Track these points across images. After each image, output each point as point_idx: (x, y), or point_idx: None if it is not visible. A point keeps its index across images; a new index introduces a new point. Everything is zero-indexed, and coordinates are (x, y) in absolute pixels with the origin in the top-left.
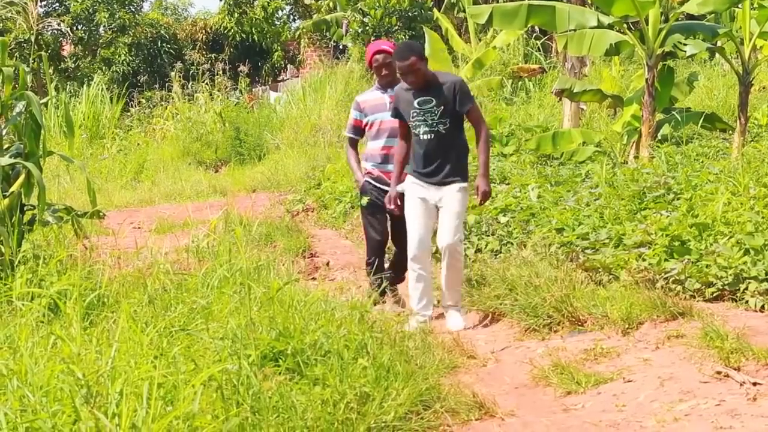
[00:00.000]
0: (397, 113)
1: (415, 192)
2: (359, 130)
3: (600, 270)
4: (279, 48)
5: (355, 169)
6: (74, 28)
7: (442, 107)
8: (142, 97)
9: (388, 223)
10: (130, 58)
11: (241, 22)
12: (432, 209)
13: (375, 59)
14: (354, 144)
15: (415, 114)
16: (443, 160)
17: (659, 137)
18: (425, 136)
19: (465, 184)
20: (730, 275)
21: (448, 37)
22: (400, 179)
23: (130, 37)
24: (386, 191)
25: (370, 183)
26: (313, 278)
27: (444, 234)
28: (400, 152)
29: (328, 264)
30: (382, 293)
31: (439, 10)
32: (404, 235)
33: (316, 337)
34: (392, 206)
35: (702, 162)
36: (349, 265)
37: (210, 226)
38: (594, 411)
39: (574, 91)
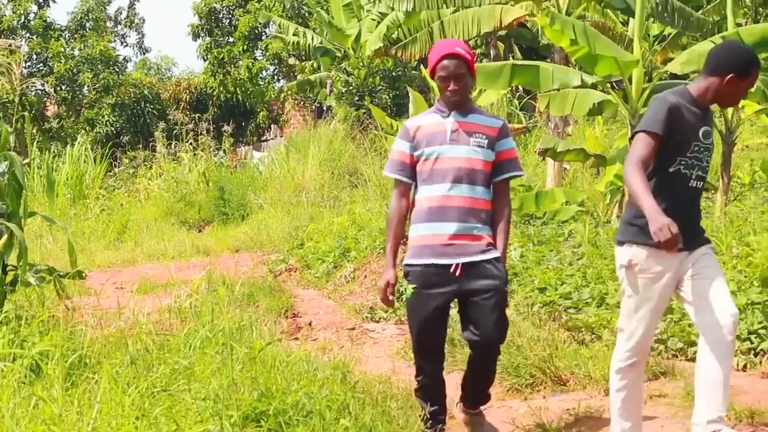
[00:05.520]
0: (669, 131)
1: (651, 267)
2: (408, 168)
3: (583, 329)
4: (263, 108)
5: (389, 257)
6: (58, 88)
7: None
8: (126, 157)
9: (441, 310)
10: (113, 118)
11: (225, 82)
12: (670, 291)
13: (442, 66)
14: (404, 191)
15: (695, 149)
16: (699, 216)
17: None
18: (695, 184)
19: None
20: None
21: (434, 96)
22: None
23: (113, 97)
24: (445, 266)
25: (414, 265)
26: (296, 338)
27: (726, 302)
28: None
29: (310, 324)
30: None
31: (425, 69)
32: (488, 322)
33: (298, 397)
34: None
35: None
36: (332, 325)
37: (193, 286)
38: None
39: (558, 150)
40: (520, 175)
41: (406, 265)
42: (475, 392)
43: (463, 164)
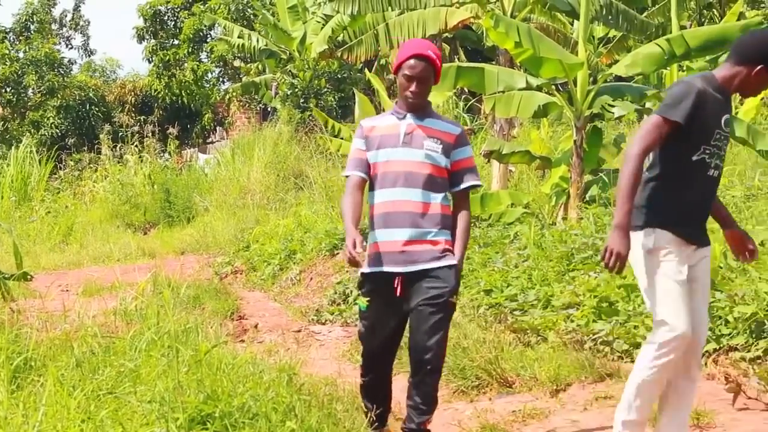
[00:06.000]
0: (692, 119)
1: (676, 256)
2: (365, 165)
3: (528, 331)
4: (208, 110)
5: (349, 225)
6: (2, 90)
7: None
8: (71, 160)
9: (396, 322)
10: (58, 120)
11: (170, 84)
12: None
13: (409, 65)
14: (360, 186)
15: (717, 137)
16: (709, 211)
17: (587, 198)
18: (713, 173)
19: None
20: None
21: (379, 99)
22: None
23: (58, 99)
24: (393, 275)
25: (369, 273)
26: (242, 341)
27: (704, 318)
28: None
29: (256, 326)
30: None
31: (370, 71)
32: (424, 331)
33: (244, 399)
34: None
35: None
36: (278, 328)
37: (138, 288)
38: None
39: (503, 152)
40: (478, 185)
41: (362, 273)
42: (418, 411)
43: (415, 168)
